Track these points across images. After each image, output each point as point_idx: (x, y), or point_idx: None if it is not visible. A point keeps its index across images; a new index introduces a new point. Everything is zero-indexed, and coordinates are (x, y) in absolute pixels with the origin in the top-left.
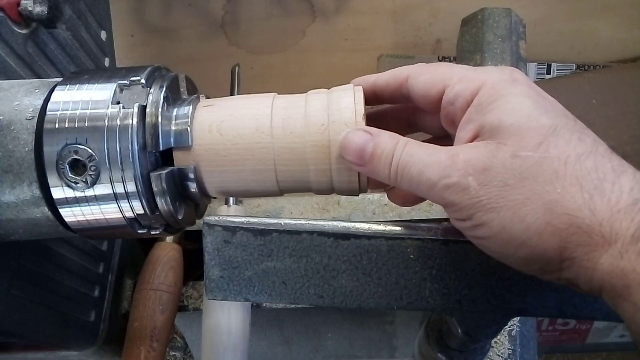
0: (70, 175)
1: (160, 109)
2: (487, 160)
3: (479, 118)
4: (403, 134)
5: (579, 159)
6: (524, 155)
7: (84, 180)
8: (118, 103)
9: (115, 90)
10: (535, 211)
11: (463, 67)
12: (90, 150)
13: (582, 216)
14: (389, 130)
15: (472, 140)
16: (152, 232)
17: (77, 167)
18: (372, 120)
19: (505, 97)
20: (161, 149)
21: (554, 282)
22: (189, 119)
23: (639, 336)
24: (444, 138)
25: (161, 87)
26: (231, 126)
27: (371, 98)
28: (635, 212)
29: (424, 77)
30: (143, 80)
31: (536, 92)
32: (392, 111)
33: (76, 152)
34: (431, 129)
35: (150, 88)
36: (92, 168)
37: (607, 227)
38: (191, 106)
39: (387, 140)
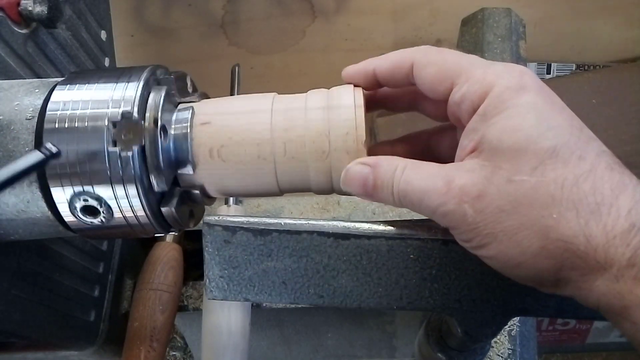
0: (84, 218)
1: (160, 150)
2: (482, 186)
3: (482, 129)
4: (403, 111)
5: (576, 182)
6: (519, 179)
7: (100, 220)
8: (114, 144)
9: (107, 127)
10: (531, 237)
11: (471, 59)
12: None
13: (577, 242)
14: (388, 109)
15: (472, 151)
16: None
17: (90, 210)
18: (371, 102)
19: (509, 109)
20: (166, 189)
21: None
22: (189, 145)
23: None
24: (444, 124)
25: (155, 120)
26: (231, 151)
27: (372, 85)
28: (631, 238)
29: (431, 69)
30: (135, 114)
31: (544, 99)
32: (392, 94)
33: (86, 200)
34: (432, 115)
35: (144, 120)
36: (104, 211)
37: (601, 254)
38: (188, 124)
39: (385, 170)
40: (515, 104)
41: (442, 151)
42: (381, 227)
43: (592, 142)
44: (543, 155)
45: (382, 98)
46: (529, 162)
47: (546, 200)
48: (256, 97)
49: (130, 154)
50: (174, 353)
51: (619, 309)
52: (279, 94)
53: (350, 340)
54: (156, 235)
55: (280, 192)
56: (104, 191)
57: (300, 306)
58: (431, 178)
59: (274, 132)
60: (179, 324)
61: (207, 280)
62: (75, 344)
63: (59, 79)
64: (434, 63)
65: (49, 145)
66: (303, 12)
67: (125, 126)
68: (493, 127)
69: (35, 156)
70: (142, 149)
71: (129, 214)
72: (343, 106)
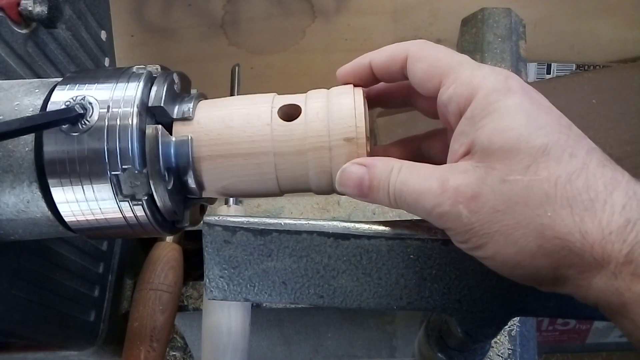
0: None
1: (159, 153)
2: (476, 187)
3: (472, 132)
4: (398, 108)
5: (569, 179)
6: (513, 179)
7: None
8: (124, 197)
9: (111, 181)
10: (527, 235)
11: (462, 59)
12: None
13: (573, 240)
14: (383, 107)
15: (465, 154)
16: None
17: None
18: (367, 99)
19: (497, 111)
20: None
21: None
22: (189, 146)
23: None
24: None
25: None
26: (232, 153)
27: (368, 80)
28: (627, 233)
29: (422, 64)
30: (137, 168)
31: (530, 100)
32: (386, 90)
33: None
34: (425, 111)
35: (145, 169)
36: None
37: (598, 250)
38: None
39: (381, 171)
40: (502, 105)
41: (434, 155)
42: (381, 227)
43: (581, 140)
44: (535, 153)
45: (377, 95)
46: (522, 161)
47: (540, 198)
48: (256, 98)
49: (141, 204)
50: (174, 353)
51: (617, 306)
52: (278, 94)
53: (350, 340)
54: (156, 235)
55: (281, 192)
56: (104, 191)
57: (300, 306)
58: (426, 179)
59: (275, 134)
60: (179, 324)
61: (207, 280)
62: (75, 344)
63: (59, 79)
64: (426, 58)
65: (77, 106)
66: (303, 12)
67: (130, 176)
68: (483, 129)
69: (70, 111)
70: (142, 152)
71: (128, 214)
72: (343, 108)
